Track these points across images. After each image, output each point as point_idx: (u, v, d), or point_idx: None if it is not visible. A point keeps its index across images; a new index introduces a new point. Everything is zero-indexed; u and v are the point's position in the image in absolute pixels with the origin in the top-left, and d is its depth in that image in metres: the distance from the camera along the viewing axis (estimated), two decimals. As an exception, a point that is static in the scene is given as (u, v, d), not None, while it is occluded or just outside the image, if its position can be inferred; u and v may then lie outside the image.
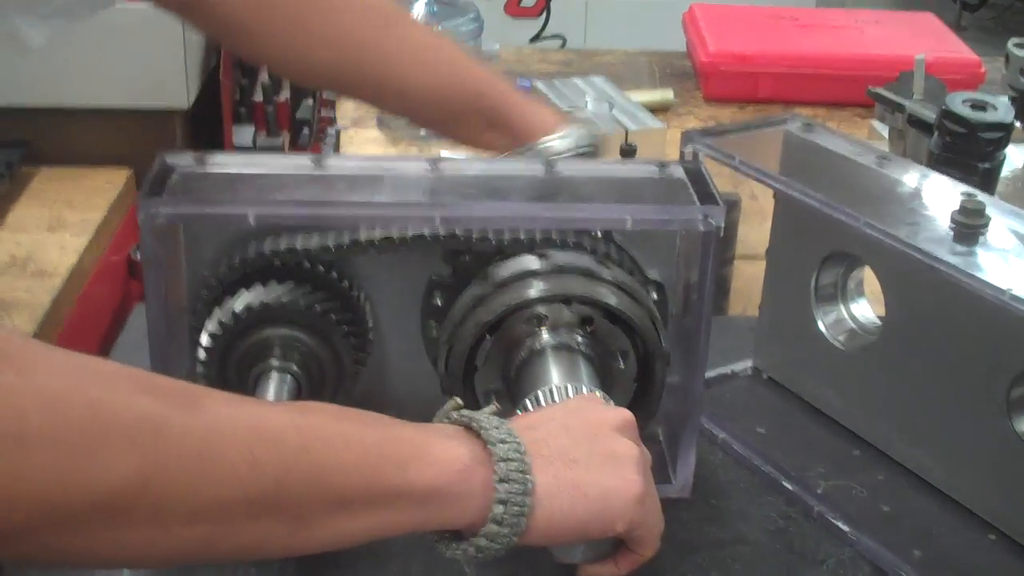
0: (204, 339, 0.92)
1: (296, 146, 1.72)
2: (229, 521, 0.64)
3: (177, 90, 1.59)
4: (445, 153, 1.56)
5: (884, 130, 1.62)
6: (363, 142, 1.81)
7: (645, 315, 0.93)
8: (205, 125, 1.69)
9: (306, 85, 1.57)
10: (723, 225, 0.92)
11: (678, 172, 0.98)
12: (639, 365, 0.95)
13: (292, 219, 0.91)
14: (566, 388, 0.85)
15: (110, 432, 0.59)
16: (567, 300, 0.92)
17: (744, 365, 1.18)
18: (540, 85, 1.95)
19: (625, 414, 0.81)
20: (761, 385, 1.17)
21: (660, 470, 1.02)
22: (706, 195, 0.94)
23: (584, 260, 0.93)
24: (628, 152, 1.60)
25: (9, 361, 0.58)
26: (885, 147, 1.60)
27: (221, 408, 0.66)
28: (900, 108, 1.41)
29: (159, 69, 1.58)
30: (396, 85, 1.10)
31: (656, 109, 2.00)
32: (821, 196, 0.96)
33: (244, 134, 1.65)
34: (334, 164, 0.96)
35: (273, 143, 1.67)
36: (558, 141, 1.08)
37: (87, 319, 1.36)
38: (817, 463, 1.05)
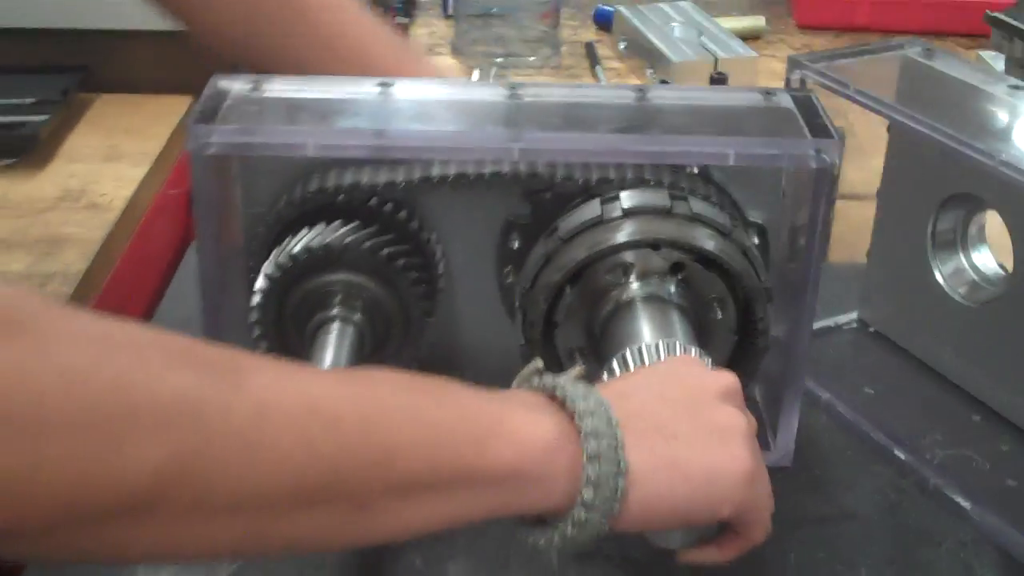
0: (259, 283, 0.84)
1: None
2: (280, 512, 0.55)
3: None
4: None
5: (998, 61, 1.49)
6: (436, 70, 1.72)
7: (742, 257, 0.83)
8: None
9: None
10: (839, 162, 0.81)
11: (785, 101, 0.87)
12: (739, 314, 0.85)
13: (355, 150, 0.82)
14: (659, 346, 0.76)
15: (140, 415, 0.50)
16: (655, 245, 0.82)
17: (849, 318, 1.08)
18: (624, 11, 1.83)
19: (729, 378, 0.71)
20: (868, 339, 1.06)
21: (758, 435, 0.93)
22: (818, 127, 0.83)
23: (676, 200, 0.83)
24: (718, 81, 1.50)
25: (23, 332, 0.49)
26: (1000, 80, 1.47)
27: (271, 382, 0.56)
28: (1021, 34, 1.28)
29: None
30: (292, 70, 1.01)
31: (746, 36, 1.88)
32: (946, 130, 0.84)
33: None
34: (403, 89, 0.87)
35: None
36: None
37: (143, 257, 1.28)
38: (932, 429, 0.95)
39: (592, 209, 0.83)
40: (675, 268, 0.83)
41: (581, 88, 0.89)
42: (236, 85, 0.86)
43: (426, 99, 0.87)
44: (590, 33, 1.93)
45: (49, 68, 1.48)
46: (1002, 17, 1.27)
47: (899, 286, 1.03)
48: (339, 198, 0.85)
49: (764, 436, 0.93)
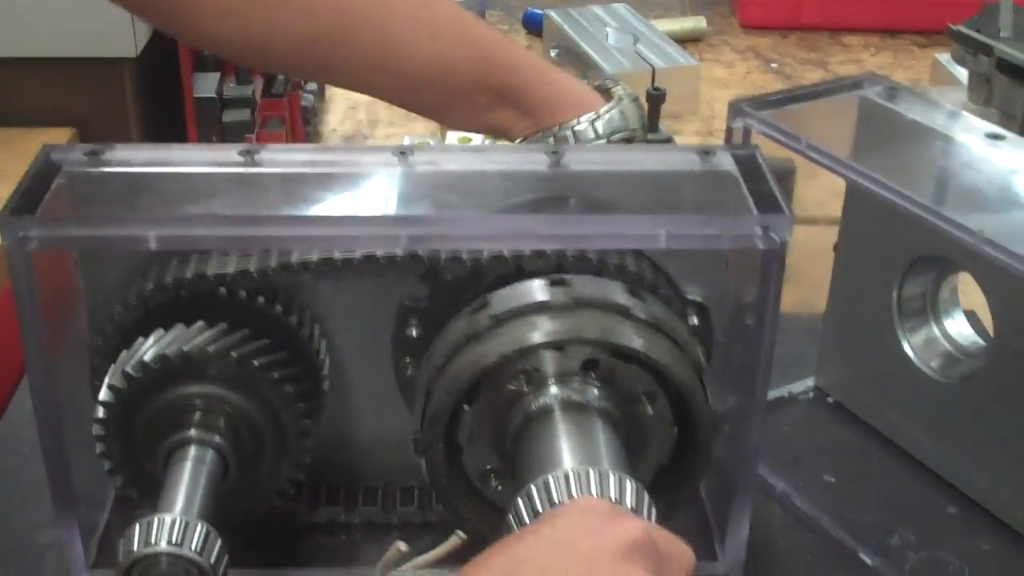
0: (103, 393, 0.70)
1: (270, 95, 1.48)
2: None
3: (123, 35, 1.35)
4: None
5: (959, 72, 1.37)
6: (350, 88, 1.58)
7: (683, 364, 0.70)
8: (162, 75, 1.45)
9: (271, 70, 1.28)
10: (789, 240, 0.68)
11: (726, 162, 0.74)
12: (674, 405, 0.72)
13: (208, 242, 0.68)
14: (568, 477, 0.62)
15: None
16: (559, 346, 0.68)
17: (804, 385, 0.95)
18: (554, 15, 1.70)
19: (635, 530, 0.57)
20: (826, 412, 0.93)
21: (703, 542, 0.80)
22: (765, 197, 0.70)
23: (592, 287, 0.70)
24: (656, 97, 1.36)
25: None
26: (960, 94, 1.35)
27: None
28: (986, 50, 1.16)
29: (102, 11, 1.34)
30: (386, 60, 0.85)
31: (685, 40, 1.76)
32: (917, 199, 0.71)
33: (207, 83, 1.41)
34: (271, 159, 0.73)
35: (242, 93, 1.43)
36: (588, 125, 0.84)
37: (8, 324, 1.13)
38: (903, 525, 0.82)
39: (466, 324, 0.69)
40: (588, 366, 0.69)
41: (484, 152, 0.75)
42: (71, 156, 0.72)
43: (297, 171, 0.73)
44: (520, 38, 1.80)
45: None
46: (966, 31, 1.14)
47: (861, 355, 0.90)
48: (181, 294, 0.71)
49: (710, 542, 0.80)
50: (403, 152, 0.73)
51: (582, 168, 0.73)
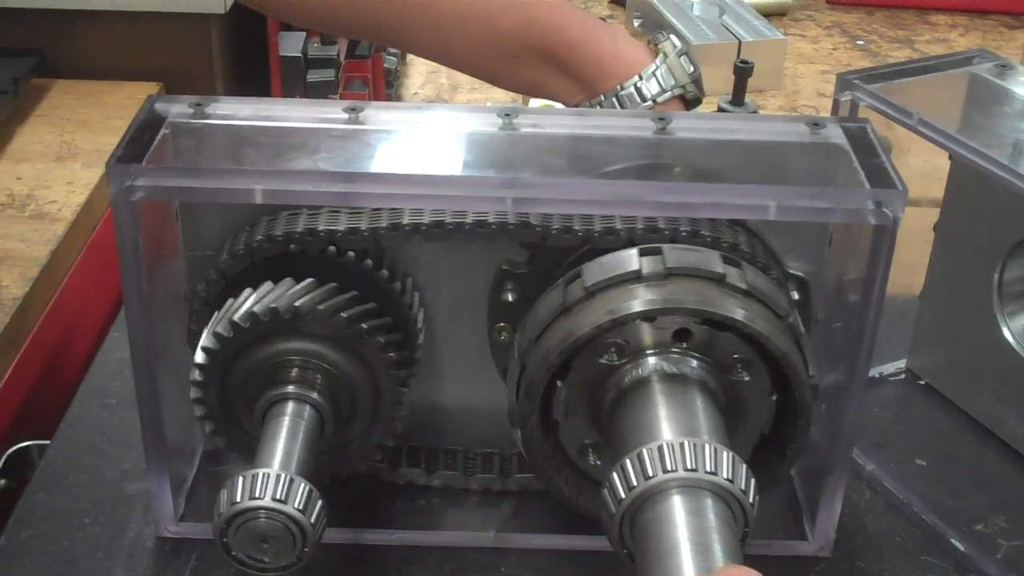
0: (198, 355, 0.70)
1: (354, 56, 1.47)
2: None
3: (212, -10, 1.35)
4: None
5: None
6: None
7: (786, 336, 0.68)
8: (247, 32, 1.45)
9: (316, 27, 1.24)
10: (901, 216, 0.67)
11: (836, 134, 0.72)
12: (772, 371, 0.71)
13: (314, 197, 0.68)
14: (684, 445, 0.61)
15: None
16: (649, 316, 0.67)
17: (896, 367, 0.93)
18: (637, -16, 1.68)
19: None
20: (918, 394, 0.92)
21: (792, 521, 0.79)
22: (877, 171, 0.68)
23: (708, 259, 0.68)
24: (744, 71, 1.34)
25: None
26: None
27: None
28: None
29: (191, -35, 1.34)
30: (432, 14, 0.84)
31: (771, 13, 1.74)
32: (1020, 170, 0.70)
33: (292, 42, 1.40)
34: (375, 116, 0.73)
35: (327, 53, 1.42)
36: (633, 89, 0.83)
37: (92, 277, 1.14)
38: (996, 512, 0.81)
39: (620, 262, 0.68)
40: (681, 335, 0.68)
41: (588, 116, 0.74)
42: (175, 109, 0.72)
43: (401, 130, 0.72)
44: (602, 7, 1.78)
45: (-2, 53, 1.33)
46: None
47: (957, 337, 0.88)
48: (290, 247, 0.70)
49: (799, 521, 0.79)
50: (507, 114, 0.72)
51: (688, 136, 0.72)
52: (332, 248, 0.71)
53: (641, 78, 0.85)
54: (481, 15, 0.85)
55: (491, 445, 0.81)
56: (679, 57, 0.87)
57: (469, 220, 0.69)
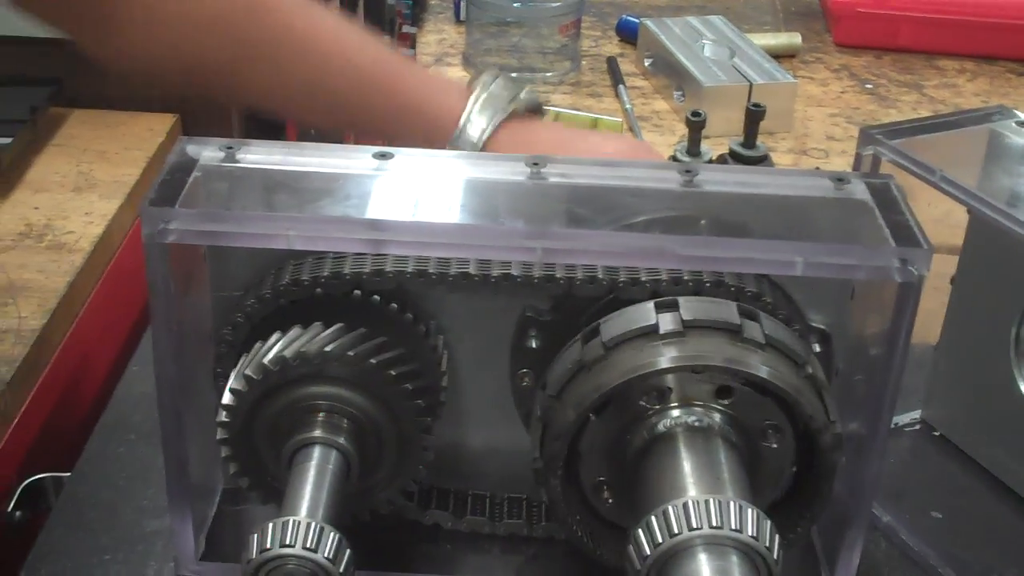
0: (226, 397, 0.70)
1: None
2: None
3: (230, 25, 1.36)
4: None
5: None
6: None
7: (809, 390, 0.69)
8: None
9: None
10: (927, 274, 0.67)
11: (860, 190, 0.73)
12: (798, 443, 0.72)
13: (345, 244, 0.68)
14: (710, 503, 0.62)
15: None
16: (698, 369, 0.68)
17: (911, 417, 0.94)
18: (650, 24, 1.69)
19: None
20: (932, 446, 0.92)
21: (810, 572, 0.80)
22: (902, 229, 0.69)
23: (725, 311, 0.69)
24: (756, 114, 1.35)
25: None
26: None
27: None
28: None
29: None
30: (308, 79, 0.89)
31: (780, 55, 1.75)
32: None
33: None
34: (404, 163, 0.73)
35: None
36: (469, 127, 0.91)
37: (111, 307, 1.15)
38: (1011, 565, 0.82)
39: (636, 317, 0.69)
40: (721, 392, 0.69)
41: (615, 167, 0.75)
42: (206, 152, 0.72)
43: (430, 177, 0.73)
44: (613, 46, 1.79)
45: (16, 81, 1.33)
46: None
47: (973, 390, 0.89)
48: (316, 291, 0.71)
49: (816, 571, 0.79)
50: (535, 163, 0.73)
51: (714, 189, 0.73)
52: (357, 292, 0.72)
53: (468, 116, 0.91)
54: (317, 84, 0.91)
55: (514, 489, 0.82)
56: (495, 80, 0.93)
57: (495, 273, 0.70)
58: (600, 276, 0.71)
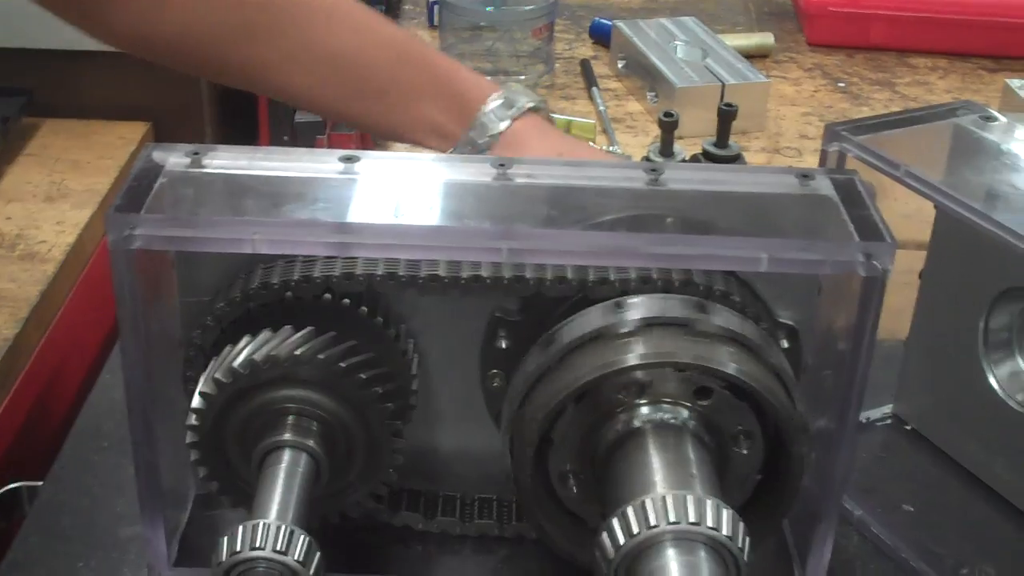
0: (196, 400, 0.70)
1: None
2: None
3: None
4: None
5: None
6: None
7: (777, 386, 0.70)
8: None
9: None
10: (891, 268, 0.68)
11: (825, 186, 0.74)
12: (767, 451, 0.72)
13: (310, 247, 0.69)
14: (668, 500, 0.62)
15: None
16: (681, 367, 0.68)
17: (882, 412, 0.94)
18: (622, 26, 1.70)
19: None
20: (904, 439, 0.93)
21: (782, 567, 0.80)
22: (866, 224, 0.70)
23: (699, 312, 0.70)
24: (728, 114, 1.36)
25: None
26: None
27: None
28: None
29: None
30: (309, 56, 0.88)
31: (753, 55, 1.75)
32: (1005, 222, 0.71)
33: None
34: (369, 166, 0.73)
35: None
36: (502, 102, 0.93)
37: (83, 317, 1.15)
38: (983, 558, 0.82)
39: (598, 317, 0.70)
40: (699, 393, 0.69)
41: (581, 167, 0.75)
42: (172, 158, 0.72)
43: (397, 180, 0.73)
44: (586, 49, 1.79)
45: (-12, 92, 1.34)
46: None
47: (943, 384, 0.90)
48: (286, 295, 0.71)
49: (788, 566, 0.80)
50: (502, 164, 0.73)
51: (679, 187, 0.73)
52: (327, 295, 0.72)
53: (503, 99, 0.93)
54: (360, 55, 0.90)
55: (485, 489, 0.82)
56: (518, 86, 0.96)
57: (464, 276, 0.70)
58: (569, 276, 0.71)
